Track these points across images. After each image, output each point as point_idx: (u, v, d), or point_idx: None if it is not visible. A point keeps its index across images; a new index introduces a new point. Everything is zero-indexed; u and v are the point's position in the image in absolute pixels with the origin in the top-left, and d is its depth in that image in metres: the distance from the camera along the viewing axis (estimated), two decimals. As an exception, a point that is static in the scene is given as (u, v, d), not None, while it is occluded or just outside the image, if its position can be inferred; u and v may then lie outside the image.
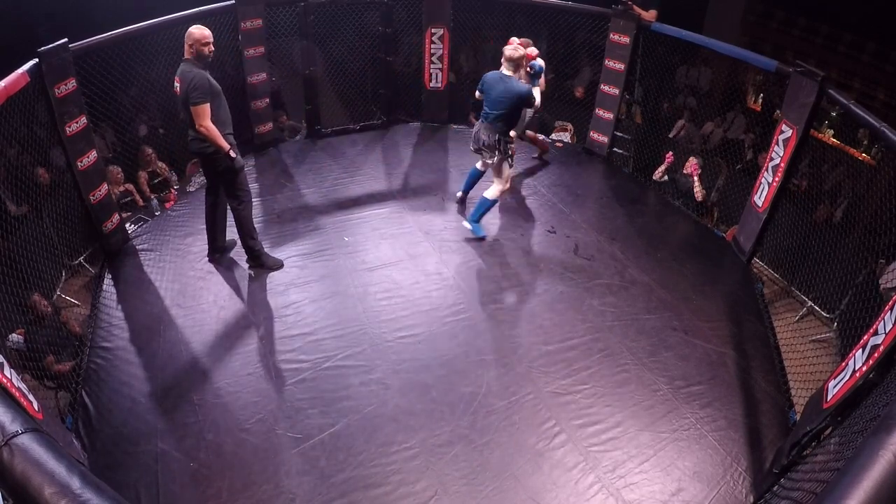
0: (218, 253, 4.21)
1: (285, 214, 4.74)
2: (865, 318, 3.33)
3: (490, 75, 4.20)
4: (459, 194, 4.97)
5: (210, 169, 3.83)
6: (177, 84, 3.50)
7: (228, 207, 3.96)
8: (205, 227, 4.15)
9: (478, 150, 4.38)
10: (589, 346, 3.58)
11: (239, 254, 4.23)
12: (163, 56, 4.88)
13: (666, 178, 5.32)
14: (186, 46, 3.49)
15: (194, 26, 3.52)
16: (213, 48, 3.54)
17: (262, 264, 4.09)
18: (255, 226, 4.56)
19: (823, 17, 7.91)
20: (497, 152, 4.25)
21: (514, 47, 4.09)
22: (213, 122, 3.50)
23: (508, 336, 3.62)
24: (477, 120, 6.40)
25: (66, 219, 4.11)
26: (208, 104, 3.45)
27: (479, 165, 4.74)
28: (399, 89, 6.33)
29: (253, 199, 4.88)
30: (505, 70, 4.09)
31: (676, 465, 2.89)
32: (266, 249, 4.25)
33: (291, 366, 3.35)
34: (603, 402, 3.20)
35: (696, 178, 4.99)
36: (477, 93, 4.35)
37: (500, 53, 4.20)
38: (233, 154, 3.61)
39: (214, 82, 3.54)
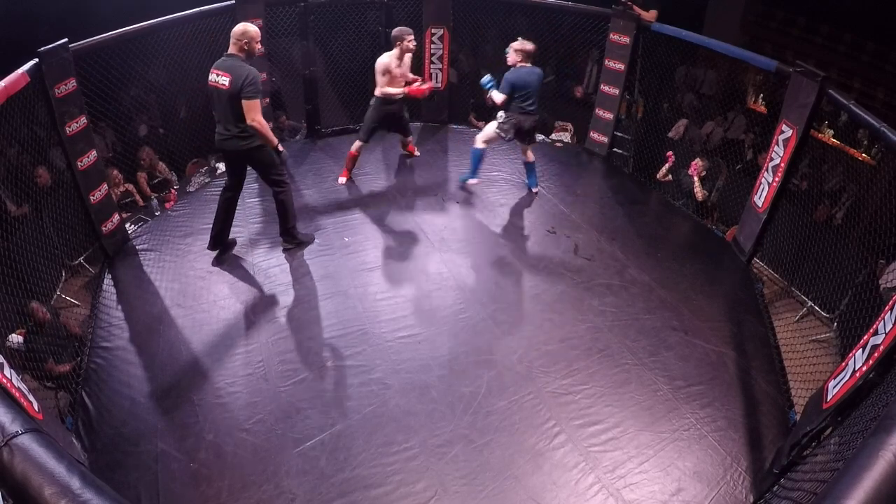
0: (219, 247, 4.20)
1: (285, 214, 4.74)
2: (865, 318, 3.33)
3: (524, 73, 4.49)
4: (476, 180, 5.12)
5: (242, 164, 3.91)
6: (222, 78, 3.52)
7: (273, 196, 4.07)
8: (211, 221, 4.12)
9: (516, 137, 4.80)
10: (589, 346, 3.58)
11: (240, 253, 4.24)
12: (163, 56, 4.88)
13: (670, 177, 5.32)
14: (237, 42, 3.56)
15: (246, 23, 3.64)
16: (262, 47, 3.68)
17: (299, 242, 4.29)
18: (256, 225, 4.59)
19: (823, 17, 7.91)
20: (534, 133, 4.90)
21: (523, 42, 4.52)
22: None
23: (508, 336, 3.62)
24: (477, 120, 6.45)
25: (66, 219, 4.11)
26: (259, 99, 3.54)
27: (483, 146, 4.94)
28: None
29: (253, 199, 4.93)
30: (527, 63, 4.52)
31: (676, 465, 2.89)
32: (266, 249, 4.26)
33: (291, 366, 3.35)
34: (603, 402, 3.20)
35: (696, 179, 4.99)
36: (498, 96, 4.56)
37: (504, 53, 4.54)
38: (280, 148, 3.76)
39: None
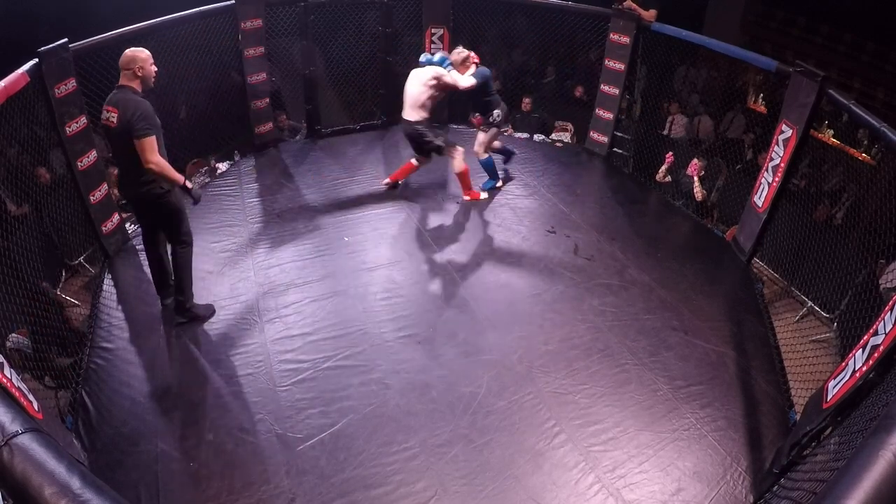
0: (169, 296, 3.71)
1: (285, 214, 4.74)
2: (865, 318, 3.33)
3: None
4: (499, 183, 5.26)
5: (151, 214, 3.38)
6: (110, 115, 3.06)
7: (171, 253, 3.52)
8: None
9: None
10: (589, 346, 3.57)
11: (240, 253, 4.23)
12: (163, 56, 4.87)
13: (669, 178, 5.32)
14: (127, 71, 3.09)
15: (134, 48, 3.14)
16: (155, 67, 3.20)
17: (195, 317, 3.63)
18: (257, 225, 4.58)
19: (823, 17, 7.92)
20: None
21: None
22: None
23: (508, 336, 3.62)
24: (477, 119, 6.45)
25: (66, 219, 4.11)
26: (155, 136, 3.05)
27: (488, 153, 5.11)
28: (399, 89, 6.31)
29: (253, 199, 4.93)
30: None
31: (676, 465, 2.89)
32: (266, 249, 4.24)
33: (291, 366, 3.35)
34: (603, 402, 3.20)
35: (696, 179, 4.99)
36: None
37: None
38: (189, 185, 3.24)
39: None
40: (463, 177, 4.90)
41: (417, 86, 4.58)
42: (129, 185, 3.27)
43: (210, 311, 3.72)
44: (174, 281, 3.58)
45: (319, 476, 2.76)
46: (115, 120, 3.04)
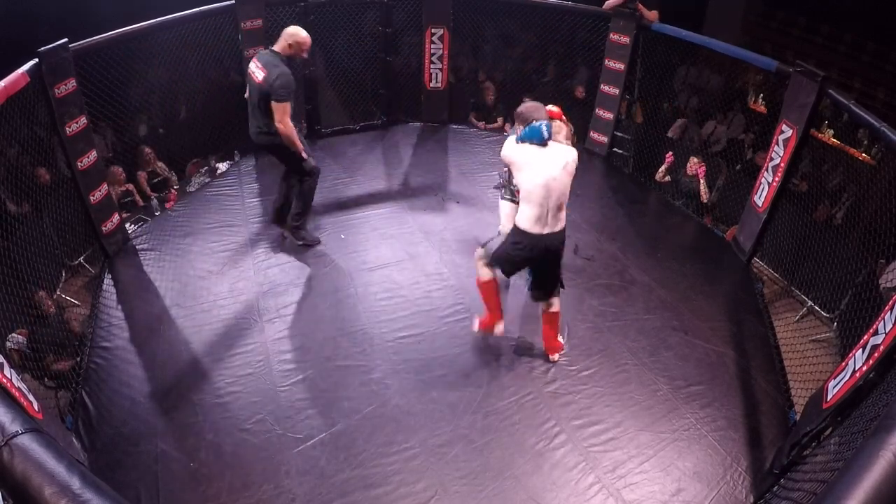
0: (278, 222, 4.30)
1: (285, 214, 4.74)
2: (865, 318, 3.32)
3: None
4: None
5: (277, 156, 3.99)
6: (258, 71, 3.57)
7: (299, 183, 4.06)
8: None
9: None
10: (589, 346, 3.57)
11: (240, 253, 4.23)
12: (163, 56, 4.88)
13: (668, 178, 5.30)
14: (284, 42, 3.62)
15: (300, 28, 3.69)
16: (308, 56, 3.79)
17: (302, 238, 4.24)
18: (256, 225, 4.58)
19: (824, 17, 7.92)
20: None
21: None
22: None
23: (508, 335, 3.61)
24: (477, 120, 6.44)
25: (66, 219, 4.11)
26: (290, 103, 3.56)
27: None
28: (399, 89, 6.32)
29: (253, 199, 4.93)
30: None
31: (676, 465, 2.89)
32: (266, 249, 4.25)
33: (291, 366, 3.35)
34: (603, 402, 3.20)
35: (702, 179, 4.95)
36: None
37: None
38: (304, 156, 3.81)
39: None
40: (557, 321, 3.40)
41: (564, 177, 2.81)
42: (257, 134, 3.78)
43: (316, 240, 4.29)
44: (295, 208, 4.10)
45: (319, 476, 2.76)
46: (261, 78, 3.55)
